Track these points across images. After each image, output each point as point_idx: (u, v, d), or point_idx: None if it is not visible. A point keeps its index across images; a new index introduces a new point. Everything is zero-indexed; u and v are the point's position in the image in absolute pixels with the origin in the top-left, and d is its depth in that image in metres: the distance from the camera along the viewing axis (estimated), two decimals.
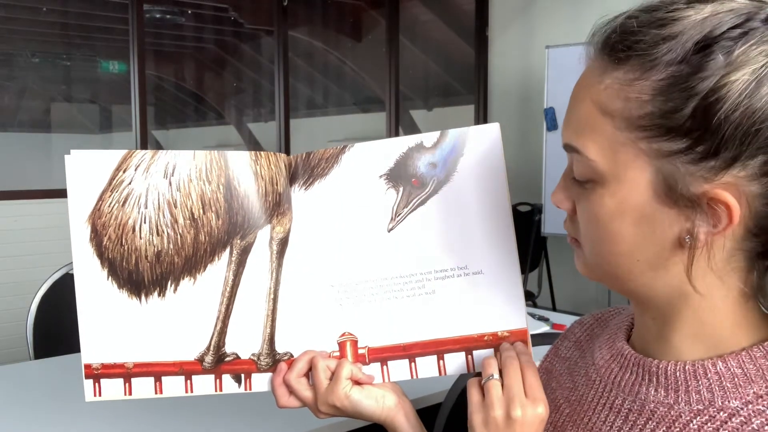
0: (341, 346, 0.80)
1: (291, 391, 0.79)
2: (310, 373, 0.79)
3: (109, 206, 0.76)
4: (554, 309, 4.14)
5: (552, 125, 4.22)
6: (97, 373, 0.78)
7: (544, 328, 2.08)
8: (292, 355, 0.80)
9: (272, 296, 0.79)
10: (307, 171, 0.80)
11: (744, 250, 0.56)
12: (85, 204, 0.76)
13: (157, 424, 1.43)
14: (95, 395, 0.78)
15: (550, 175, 4.18)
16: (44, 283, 2.09)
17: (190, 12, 6.18)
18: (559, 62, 4.16)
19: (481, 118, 5.20)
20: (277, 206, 0.79)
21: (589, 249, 0.61)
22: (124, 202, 0.76)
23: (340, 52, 6.66)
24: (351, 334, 0.80)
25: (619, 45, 0.55)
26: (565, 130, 0.60)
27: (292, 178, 0.80)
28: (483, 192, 0.78)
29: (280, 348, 0.80)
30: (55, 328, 2.04)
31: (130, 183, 0.76)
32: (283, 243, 0.79)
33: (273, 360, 0.80)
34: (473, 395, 0.70)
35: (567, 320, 2.16)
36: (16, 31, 5.95)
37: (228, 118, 8.34)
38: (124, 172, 0.76)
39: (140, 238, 0.77)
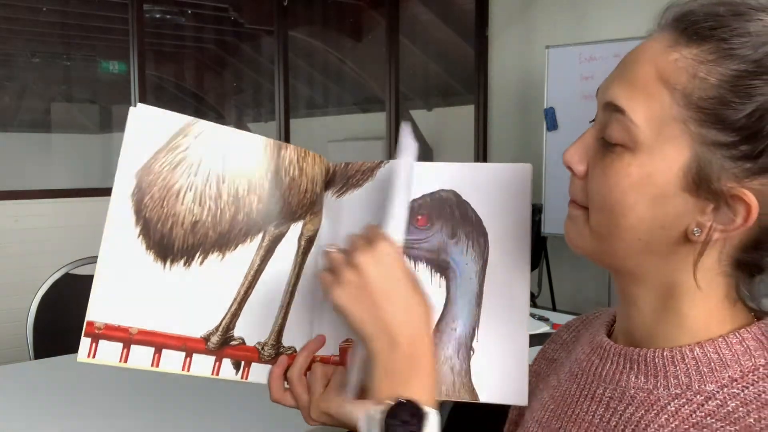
0: (342, 351, 0.79)
1: (291, 387, 0.78)
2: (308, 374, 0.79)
3: (160, 166, 0.75)
4: (554, 309, 4.14)
5: (552, 125, 4.22)
6: (98, 333, 0.74)
7: (544, 328, 2.08)
8: (295, 351, 0.80)
9: (290, 289, 0.80)
10: (342, 179, 0.81)
11: (735, 258, 0.58)
12: (137, 158, 0.75)
13: (157, 424, 1.43)
14: (89, 356, 0.74)
15: (550, 175, 4.18)
16: (44, 283, 2.09)
17: (190, 12, 6.18)
18: (559, 62, 4.16)
19: (481, 118, 5.20)
20: (312, 205, 0.80)
21: (595, 216, 0.59)
22: (176, 166, 0.75)
23: (340, 52, 6.66)
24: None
25: (703, 23, 0.55)
26: (611, 88, 0.58)
27: (327, 183, 0.81)
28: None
29: (286, 341, 0.80)
30: (55, 328, 2.04)
31: (186, 149, 0.76)
32: (310, 241, 0.80)
33: (276, 352, 0.80)
34: (324, 278, 0.67)
35: (567, 320, 2.16)
36: (16, 31, 5.95)
37: (228, 118, 8.33)
38: (184, 137, 0.76)
39: (182, 204, 0.76)
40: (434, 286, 0.78)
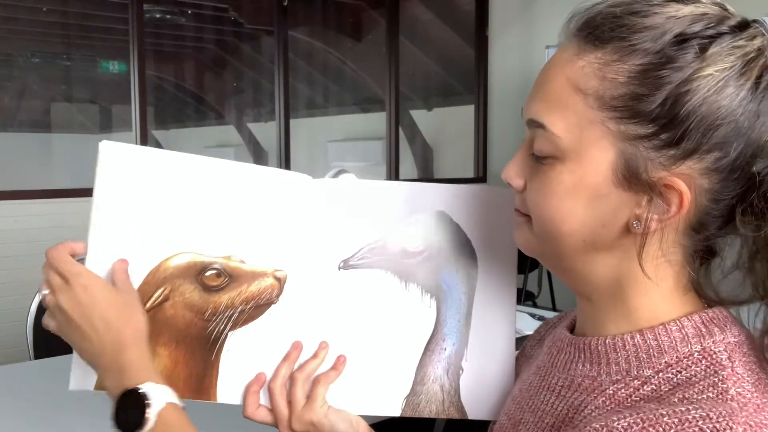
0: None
1: (272, 399, 0.77)
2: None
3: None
4: (554, 309, 4.14)
5: None
6: None
7: None
8: None
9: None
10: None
11: (682, 245, 0.59)
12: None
13: None
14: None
15: None
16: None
17: (190, 12, 6.18)
18: None
19: (481, 118, 5.20)
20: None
21: (537, 225, 0.62)
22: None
23: (340, 52, 6.66)
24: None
25: (603, 27, 0.57)
26: (530, 105, 0.61)
27: None
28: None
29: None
30: None
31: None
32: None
33: None
34: (45, 319, 0.73)
35: None
36: (16, 31, 5.95)
37: (228, 118, 8.33)
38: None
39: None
40: (425, 306, 0.79)
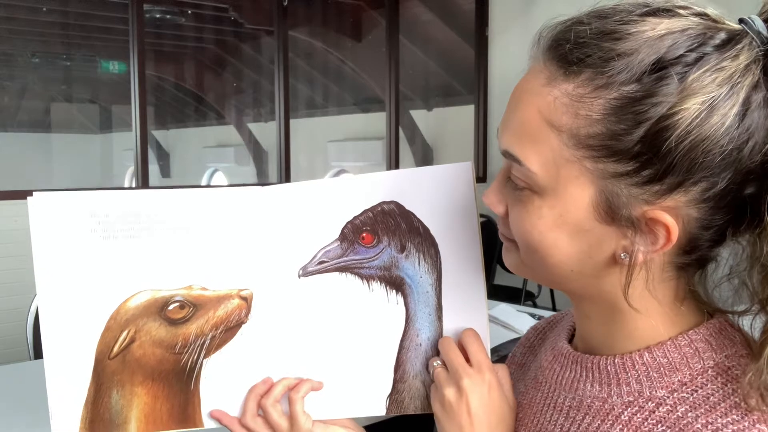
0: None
1: (266, 417, 0.76)
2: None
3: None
4: (554, 309, 4.14)
5: None
6: None
7: None
8: None
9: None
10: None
11: (674, 263, 0.57)
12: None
13: None
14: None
15: None
16: None
17: (190, 12, 6.19)
18: None
19: (481, 118, 5.21)
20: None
21: (523, 254, 0.60)
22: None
23: (340, 52, 6.66)
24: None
25: (571, 56, 0.53)
26: (505, 134, 0.58)
27: None
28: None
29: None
30: None
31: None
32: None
33: None
34: (432, 390, 0.72)
35: None
36: (16, 31, 5.96)
37: (228, 118, 8.34)
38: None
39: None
40: (392, 304, 0.76)
